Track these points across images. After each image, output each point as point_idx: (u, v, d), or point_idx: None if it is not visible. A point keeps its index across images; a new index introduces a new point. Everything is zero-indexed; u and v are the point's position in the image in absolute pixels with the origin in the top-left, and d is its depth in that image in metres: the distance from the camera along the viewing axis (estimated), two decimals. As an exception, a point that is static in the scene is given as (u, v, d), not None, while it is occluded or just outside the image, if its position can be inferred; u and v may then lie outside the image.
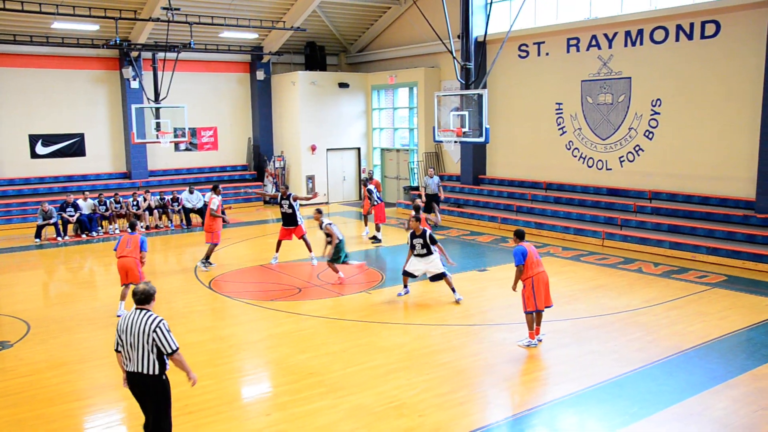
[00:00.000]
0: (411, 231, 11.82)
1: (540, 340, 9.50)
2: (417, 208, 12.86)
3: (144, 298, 5.98)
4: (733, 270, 13.69)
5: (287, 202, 14.71)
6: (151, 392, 5.93)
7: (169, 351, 5.86)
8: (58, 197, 20.57)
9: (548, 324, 10.29)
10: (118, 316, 11.00)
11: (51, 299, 13.19)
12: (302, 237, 14.86)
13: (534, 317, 9.36)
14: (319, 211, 13.57)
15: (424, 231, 11.60)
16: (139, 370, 5.86)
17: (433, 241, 11.60)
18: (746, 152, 15.01)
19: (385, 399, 7.74)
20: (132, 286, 10.71)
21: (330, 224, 13.14)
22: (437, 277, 11.68)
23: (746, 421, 7.07)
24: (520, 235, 9.47)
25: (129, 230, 11.44)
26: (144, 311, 5.95)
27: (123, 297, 11.13)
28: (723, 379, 8.16)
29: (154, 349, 5.84)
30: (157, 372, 5.88)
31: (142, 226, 19.77)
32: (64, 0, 18.54)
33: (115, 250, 11.16)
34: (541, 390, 8.01)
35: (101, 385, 8.40)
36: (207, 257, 14.58)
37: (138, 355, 5.84)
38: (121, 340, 5.96)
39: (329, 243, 13.03)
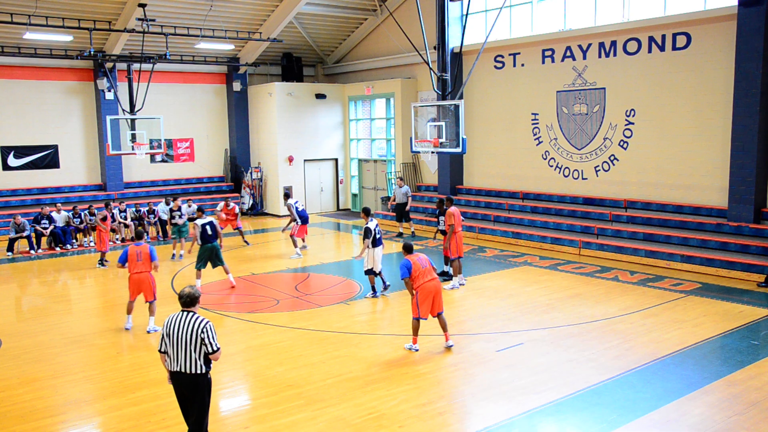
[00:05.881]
0: None
1: (450, 346, 9.68)
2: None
3: (189, 301, 6.29)
4: (707, 277, 13.87)
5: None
6: (199, 389, 6.22)
7: (212, 350, 6.17)
8: (32, 210, 20.24)
9: (526, 333, 10.36)
10: (149, 332, 10.75)
11: (24, 314, 12.94)
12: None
13: (419, 324, 9.64)
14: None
15: (366, 225, 12.55)
16: (187, 370, 6.16)
17: (364, 236, 12.49)
18: (718, 161, 15.27)
19: (365, 410, 7.70)
20: (151, 303, 10.86)
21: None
22: (368, 272, 12.64)
23: (721, 426, 7.16)
24: (407, 249, 10.07)
25: (135, 240, 11.15)
26: (190, 313, 6.26)
27: (130, 311, 10.98)
28: (699, 385, 8.25)
29: (201, 348, 6.14)
30: (204, 370, 6.20)
31: (117, 239, 19.56)
32: (36, 10, 18.31)
33: (121, 261, 10.77)
34: (519, 399, 8.02)
35: (75, 400, 8.26)
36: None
37: (185, 355, 6.14)
38: (167, 341, 6.22)
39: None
